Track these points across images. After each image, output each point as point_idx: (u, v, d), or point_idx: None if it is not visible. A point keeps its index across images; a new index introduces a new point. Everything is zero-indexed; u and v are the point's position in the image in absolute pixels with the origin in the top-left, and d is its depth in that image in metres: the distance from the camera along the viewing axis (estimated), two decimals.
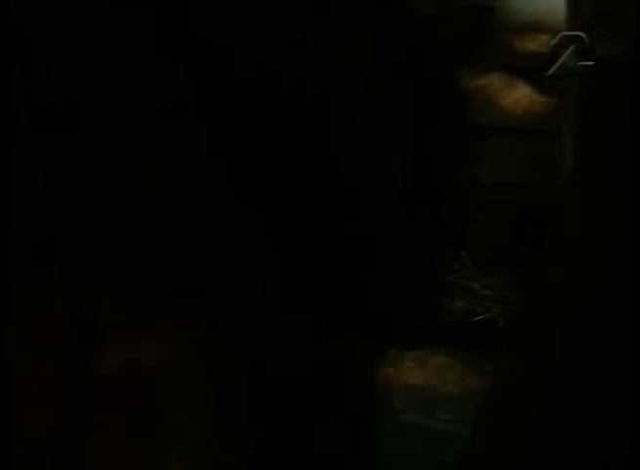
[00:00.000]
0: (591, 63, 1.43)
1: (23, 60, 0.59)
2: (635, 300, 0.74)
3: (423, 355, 1.38)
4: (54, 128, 0.60)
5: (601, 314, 0.76)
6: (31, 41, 0.60)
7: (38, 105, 0.59)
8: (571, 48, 1.48)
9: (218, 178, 0.64)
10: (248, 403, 0.70)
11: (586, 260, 0.83)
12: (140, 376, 0.65)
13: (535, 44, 1.79)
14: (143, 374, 0.65)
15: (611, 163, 1.00)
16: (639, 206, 0.91)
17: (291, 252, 0.71)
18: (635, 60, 1.23)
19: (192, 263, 0.67)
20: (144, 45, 0.60)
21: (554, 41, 1.52)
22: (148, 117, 0.61)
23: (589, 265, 0.82)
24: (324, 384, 0.77)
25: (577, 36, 1.47)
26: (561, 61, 1.50)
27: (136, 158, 0.61)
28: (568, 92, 1.62)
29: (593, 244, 0.84)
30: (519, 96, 1.68)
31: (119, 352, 0.65)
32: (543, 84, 1.71)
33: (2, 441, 0.62)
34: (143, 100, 0.61)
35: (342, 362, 0.79)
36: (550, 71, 1.52)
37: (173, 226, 0.65)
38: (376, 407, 0.85)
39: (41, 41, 0.60)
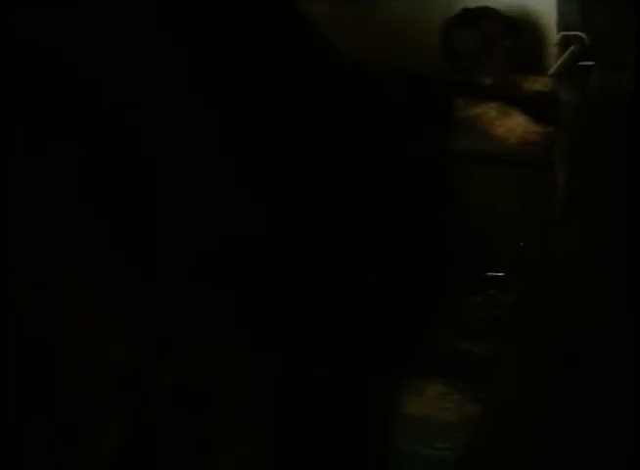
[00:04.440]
0: (591, 63, 1.44)
1: (24, 60, 0.58)
2: (635, 313, 0.74)
3: (419, 384, 1.38)
4: (55, 129, 0.59)
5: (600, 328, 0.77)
6: (31, 41, 0.59)
7: (38, 105, 0.59)
8: (571, 48, 1.49)
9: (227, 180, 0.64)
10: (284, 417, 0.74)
11: (580, 285, 0.83)
12: (192, 391, 0.68)
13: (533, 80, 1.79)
14: (194, 390, 0.68)
15: (604, 193, 1.01)
16: (633, 235, 0.91)
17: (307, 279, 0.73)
18: (635, 94, 1.24)
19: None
20: (143, 45, 0.60)
21: (554, 41, 1.53)
22: (149, 117, 0.61)
23: (584, 289, 0.82)
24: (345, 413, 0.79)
25: (578, 36, 1.47)
26: (561, 61, 1.50)
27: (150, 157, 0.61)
28: (562, 122, 1.63)
29: (586, 268, 0.85)
30: (513, 125, 1.68)
31: (172, 372, 0.67)
32: (538, 114, 1.71)
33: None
34: (142, 99, 0.61)
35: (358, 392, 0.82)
36: (550, 72, 1.53)
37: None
38: (390, 438, 0.87)
39: (41, 41, 0.59)
